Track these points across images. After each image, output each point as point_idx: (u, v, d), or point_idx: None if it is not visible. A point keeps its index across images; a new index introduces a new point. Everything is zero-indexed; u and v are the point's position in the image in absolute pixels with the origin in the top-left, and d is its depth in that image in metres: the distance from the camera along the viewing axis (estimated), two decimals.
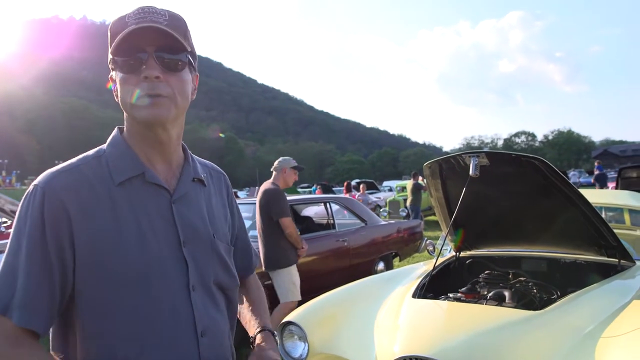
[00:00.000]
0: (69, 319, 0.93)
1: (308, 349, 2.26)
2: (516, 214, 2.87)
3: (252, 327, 1.17)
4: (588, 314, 2.08)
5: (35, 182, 0.93)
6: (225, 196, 1.18)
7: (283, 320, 2.39)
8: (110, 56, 0.96)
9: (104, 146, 1.02)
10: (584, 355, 1.77)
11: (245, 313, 1.23)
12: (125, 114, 0.99)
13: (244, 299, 1.25)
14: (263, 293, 1.29)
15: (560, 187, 2.40)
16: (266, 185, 4.08)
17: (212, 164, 1.21)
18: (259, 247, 4.02)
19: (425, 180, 2.98)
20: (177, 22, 0.97)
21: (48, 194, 0.90)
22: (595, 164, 17.09)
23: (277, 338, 1.17)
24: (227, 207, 1.18)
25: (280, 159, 4.16)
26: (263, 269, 3.96)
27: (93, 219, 0.91)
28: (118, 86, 0.96)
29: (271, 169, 4.14)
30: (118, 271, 0.91)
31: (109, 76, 0.99)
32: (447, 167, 2.70)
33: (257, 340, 1.12)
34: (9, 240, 0.92)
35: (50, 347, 0.97)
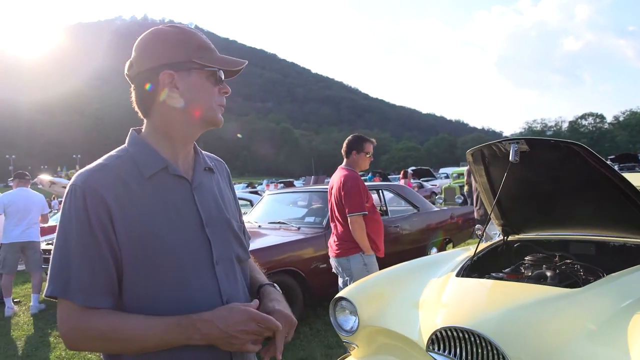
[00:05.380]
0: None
1: (358, 323, 2.48)
2: (562, 199, 2.93)
3: (252, 288, 1.28)
4: (626, 292, 2.15)
5: (72, 182, 1.05)
6: (228, 181, 1.32)
7: (335, 296, 2.62)
8: (194, 60, 1.09)
9: (125, 146, 1.15)
10: (616, 330, 1.86)
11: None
12: (164, 112, 1.11)
13: None
14: (254, 263, 1.40)
15: (602, 171, 2.45)
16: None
17: (213, 154, 1.34)
18: None
19: (469, 166, 3.09)
20: None
21: (88, 190, 1.02)
22: None
23: (277, 288, 1.28)
24: (230, 191, 1.32)
25: None
26: None
27: (129, 211, 1.04)
28: (192, 88, 1.10)
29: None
30: (154, 257, 1.04)
31: (172, 72, 1.08)
32: (489, 153, 2.81)
33: (260, 296, 1.21)
34: (55, 238, 1.05)
35: None
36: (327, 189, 5.73)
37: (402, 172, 14.99)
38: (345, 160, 3.76)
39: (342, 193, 3.54)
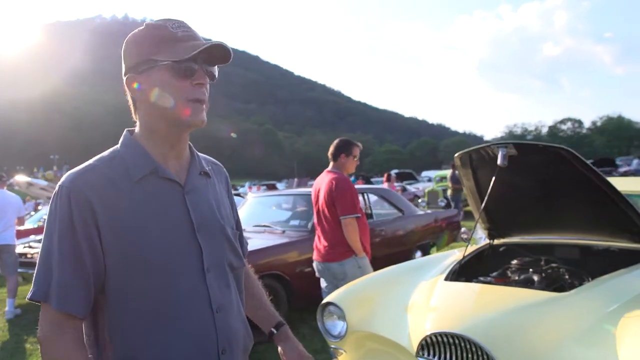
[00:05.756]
0: (98, 301, 1.05)
1: (346, 328, 2.45)
2: (548, 202, 2.95)
3: (267, 321, 1.40)
4: (612, 296, 2.17)
5: (60, 182, 1.04)
6: (226, 186, 1.30)
7: (323, 301, 2.59)
8: (151, 58, 1.04)
9: (117, 147, 1.12)
10: (604, 333, 1.87)
11: (252, 308, 1.38)
12: (145, 114, 1.09)
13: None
14: (259, 282, 1.45)
15: (588, 175, 2.47)
16: None
17: (212, 158, 1.32)
18: None
19: (457, 170, 3.10)
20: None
21: (73, 192, 1.01)
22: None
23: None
24: (228, 196, 1.29)
25: None
26: None
27: (116, 213, 1.02)
28: (157, 88, 1.04)
29: None
30: (142, 259, 1.02)
31: (133, 76, 1.06)
32: (477, 157, 2.81)
33: (283, 335, 1.37)
34: (42, 238, 1.04)
35: (84, 330, 1.08)
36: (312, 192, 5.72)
37: (385, 175, 15.02)
38: (332, 163, 3.73)
39: (335, 195, 3.49)
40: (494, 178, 2.67)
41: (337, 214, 3.48)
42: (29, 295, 1.01)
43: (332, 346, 2.52)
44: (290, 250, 4.74)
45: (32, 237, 7.43)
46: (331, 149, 3.73)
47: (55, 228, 1.01)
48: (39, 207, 12.64)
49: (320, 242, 3.69)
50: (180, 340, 1.05)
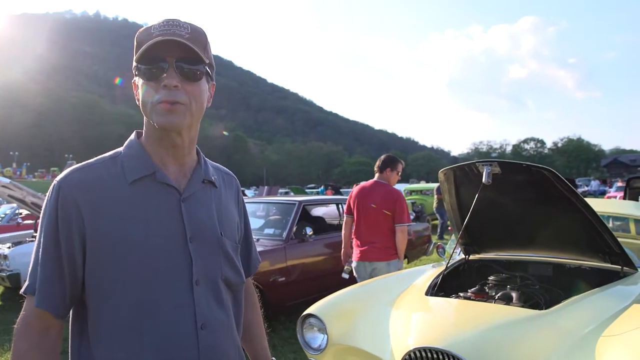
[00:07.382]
0: (84, 310, 1.02)
1: (327, 341, 2.42)
2: (525, 220, 3.01)
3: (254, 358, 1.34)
4: (590, 315, 2.22)
5: (56, 179, 1.03)
6: (236, 197, 1.25)
7: (303, 313, 2.55)
8: (134, 63, 1.03)
9: (121, 148, 1.10)
10: (584, 352, 1.91)
11: (246, 340, 1.32)
12: (144, 117, 1.06)
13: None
14: (257, 308, 1.38)
15: (567, 196, 2.54)
16: None
17: (224, 168, 1.28)
18: None
19: (440, 185, 3.14)
20: (198, 35, 1.04)
21: (62, 190, 0.99)
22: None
23: None
24: (237, 208, 1.25)
25: None
26: None
27: (103, 214, 0.99)
28: (140, 91, 1.03)
29: None
30: (122, 265, 0.98)
31: (132, 81, 1.06)
32: (461, 174, 2.85)
33: None
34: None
35: (70, 336, 1.06)
36: (289, 200, 5.68)
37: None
38: (378, 174, 4.16)
39: (397, 206, 3.95)
40: (477, 195, 2.71)
41: (392, 221, 3.94)
42: (22, 289, 1.02)
43: (311, 359, 2.49)
44: (263, 260, 4.67)
45: None
46: (378, 162, 4.19)
47: (43, 223, 1.01)
48: None
49: (366, 244, 4.02)
50: (156, 357, 0.99)
